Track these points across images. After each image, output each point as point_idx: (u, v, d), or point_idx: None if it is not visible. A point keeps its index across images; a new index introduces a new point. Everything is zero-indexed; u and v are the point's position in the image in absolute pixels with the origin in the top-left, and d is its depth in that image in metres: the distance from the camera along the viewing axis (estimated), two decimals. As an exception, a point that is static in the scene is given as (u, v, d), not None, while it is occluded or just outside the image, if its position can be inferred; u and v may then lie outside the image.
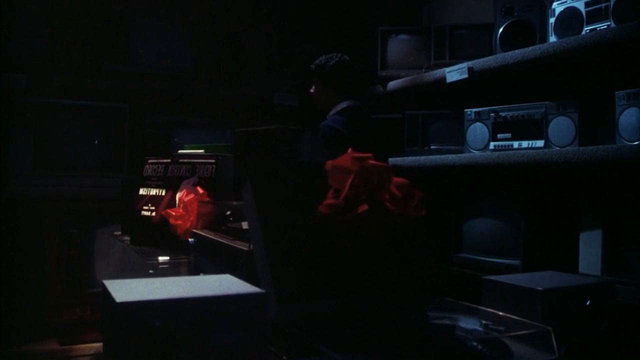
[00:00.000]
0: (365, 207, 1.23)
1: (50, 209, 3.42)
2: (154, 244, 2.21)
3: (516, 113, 2.94)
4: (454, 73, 3.16)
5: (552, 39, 2.82)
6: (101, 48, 3.54)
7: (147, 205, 2.26)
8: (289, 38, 3.96)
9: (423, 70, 3.49)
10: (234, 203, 1.70)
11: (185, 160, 2.23)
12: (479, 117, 3.07)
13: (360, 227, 1.22)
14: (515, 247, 2.85)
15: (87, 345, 3.41)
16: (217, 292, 0.99)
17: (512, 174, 3.02)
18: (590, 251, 2.59)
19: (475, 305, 1.47)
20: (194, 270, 1.75)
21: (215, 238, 1.60)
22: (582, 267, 2.61)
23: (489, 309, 1.40)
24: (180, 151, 2.68)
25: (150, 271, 2.76)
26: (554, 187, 2.85)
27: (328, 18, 4.05)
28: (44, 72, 3.41)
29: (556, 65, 2.81)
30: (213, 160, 2.15)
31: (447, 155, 3.12)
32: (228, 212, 1.77)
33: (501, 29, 3.12)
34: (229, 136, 3.87)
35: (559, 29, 2.81)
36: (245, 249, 1.38)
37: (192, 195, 2.12)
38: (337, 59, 3.45)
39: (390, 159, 3.43)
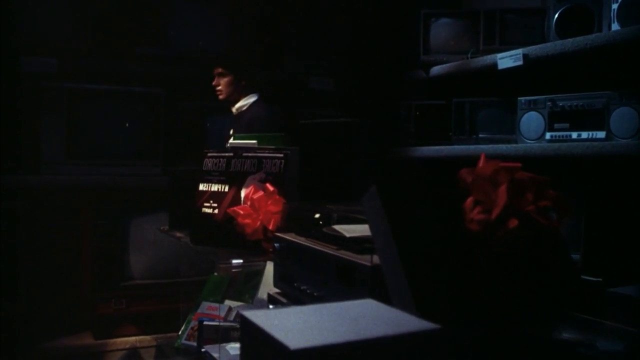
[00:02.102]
0: (515, 222, 1.11)
1: (84, 199, 3.29)
2: (216, 244, 2.09)
3: (575, 102, 2.83)
4: (507, 59, 3.03)
5: (615, 26, 2.70)
6: (134, 31, 3.38)
7: (208, 202, 2.14)
8: (325, 21, 3.81)
9: (469, 56, 3.35)
10: (332, 207, 1.58)
11: (250, 154, 2.10)
12: (534, 106, 2.96)
13: (512, 244, 1.11)
14: (575, 241, 2.76)
15: (123, 339, 3.31)
16: (393, 331, 0.88)
17: (570, 166, 2.92)
18: (658, 248, 2.50)
19: (601, 321, 1.37)
20: (281, 279, 1.63)
21: (316, 247, 1.49)
22: (649, 264, 2.52)
23: (625, 327, 1.30)
24: (231, 141, 2.56)
25: (215, 273, 2.65)
26: (619, 181, 2.75)
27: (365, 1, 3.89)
28: (74, 56, 3.25)
29: (619, 54, 2.69)
30: (281, 155, 2.03)
31: (500, 145, 3.01)
32: (317, 215, 1.65)
33: (557, 15, 2.99)
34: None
35: (623, 15, 2.69)
36: (368, 263, 1.26)
37: (260, 193, 2.00)
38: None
39: (435, 148, 3.31)
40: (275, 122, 3.23)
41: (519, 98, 3.01)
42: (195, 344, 2.41)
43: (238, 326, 2.24)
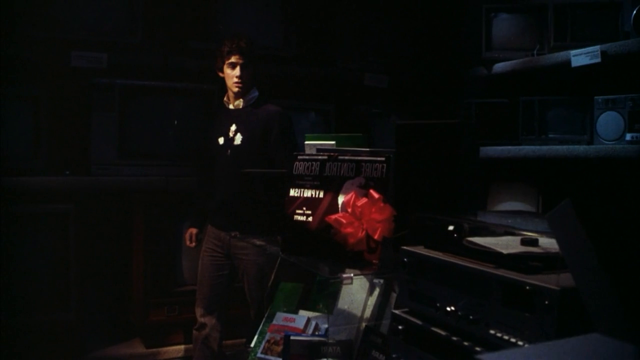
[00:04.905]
0: None
1: (136, 201, 3.14)
2: (311, 254, 1.94)
3: (658, 102, 2.70)
4: (582, 57, 2.90)
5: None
6: (187, 25, 3.22)
7: (301, 208, 1.99)
8: (380, 16, 3.66)
9: (535, 53, 3.22)
10: (473, 218, 1.44)
11: (346, 158, 1.95)
12: (612, 105, 2.83)
13: None
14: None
15: (175, 347, 3.17)
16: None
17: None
18: None
19: None
20: (413, 298, 1.49)
21: (466, 264, 1.35)
22: None
23: None
24: (306, 142, 2.41)
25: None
26: None
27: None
28: (125, 51, 3.09)
29: None
30: (383, 159, 1.88)
31: (577, 146, 2.87)
32: (451, 227, 1.51)
33: (636, 10, 2.85)
34: (314, 118, 3.61)
35: None
36: (555, 287, 1.12)
37: (364, 199, 1.86)
38: None
39: (501, 148, 3.17)
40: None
41: (595, 97, 2.88)
42: (274, 358, 2.27)
43: (329, 341, 2.12)
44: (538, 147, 3.03)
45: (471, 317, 1.31)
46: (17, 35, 2.86)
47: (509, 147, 3.14)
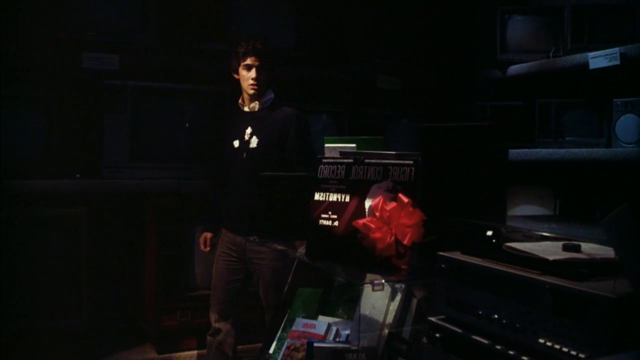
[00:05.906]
0: None
1: (148, 204, 3.10)
2: (337, 259, 1.91)
3: (679, 104, 2.69)
4: (601, 59, 2.87)
5: None
6: (199, 26, 3.19)
7: (326, 213, 1.95)
8: (394, 17, 3.63)
9: (550, 55, 3.19)
10: (510, 224, 1.41)
11: (373, 161, 1.92)
12: (631, 108, 2.81)
13: None
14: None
15: (187, 352, 3.12)
16: None
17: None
18: None
19: None
20: (451, 305, 1.45)
21: (509, 270, 1.31)
22: None
23: None
24: (326, 145, 2.37)
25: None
26: None
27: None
28: (137, 52, 3.06)
29: None
30: (411, 162, 1.85)
31: (596, 149, 2.85)
32: (489, 233, 1.48)
33: (655, 11, 2.84)
34: (325, 121, 3.57)
35: None
36: (611, 295, 1.09)
37: (393, 204, 1.82)
38: None
39: (517, 151, 3.14)
40: None
41: (614, 99, 2.86)
42: (295, 364, 2.23)
43: (353, 347, 2.07)
44: (555, 150, 3.01)
45: (517, 325, 1.27)
46: (28, 37, 2.82)
47: (525, 150, 3.11)
